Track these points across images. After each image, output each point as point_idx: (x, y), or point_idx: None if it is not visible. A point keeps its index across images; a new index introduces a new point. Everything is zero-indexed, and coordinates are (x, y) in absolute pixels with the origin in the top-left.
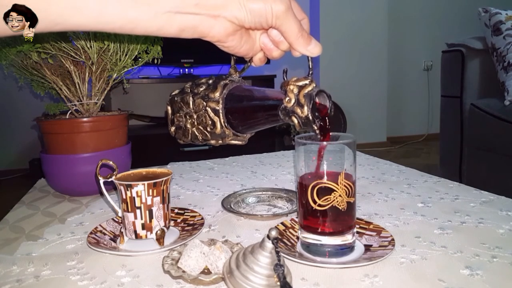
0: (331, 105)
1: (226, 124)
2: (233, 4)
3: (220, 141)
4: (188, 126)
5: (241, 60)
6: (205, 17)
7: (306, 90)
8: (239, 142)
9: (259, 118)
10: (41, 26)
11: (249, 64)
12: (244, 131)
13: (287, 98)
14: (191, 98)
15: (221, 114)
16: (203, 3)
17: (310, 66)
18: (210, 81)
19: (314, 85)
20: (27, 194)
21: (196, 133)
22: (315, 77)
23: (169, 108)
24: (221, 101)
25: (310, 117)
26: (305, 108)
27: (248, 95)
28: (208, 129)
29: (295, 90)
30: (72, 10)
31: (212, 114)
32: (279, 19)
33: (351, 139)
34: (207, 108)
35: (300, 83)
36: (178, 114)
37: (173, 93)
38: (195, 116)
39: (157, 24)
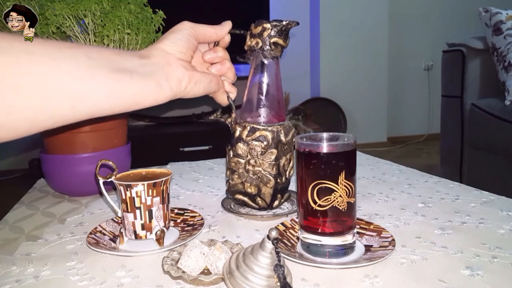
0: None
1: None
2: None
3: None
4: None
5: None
6: (161, 70)
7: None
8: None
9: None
10: None
11: (230, 99)
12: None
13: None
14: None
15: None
16: (140, 71)
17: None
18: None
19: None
20: (26, 194)
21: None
22: (316, 77)
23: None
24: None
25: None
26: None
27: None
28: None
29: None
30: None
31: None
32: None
33: (351, 139)
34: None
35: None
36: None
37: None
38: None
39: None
